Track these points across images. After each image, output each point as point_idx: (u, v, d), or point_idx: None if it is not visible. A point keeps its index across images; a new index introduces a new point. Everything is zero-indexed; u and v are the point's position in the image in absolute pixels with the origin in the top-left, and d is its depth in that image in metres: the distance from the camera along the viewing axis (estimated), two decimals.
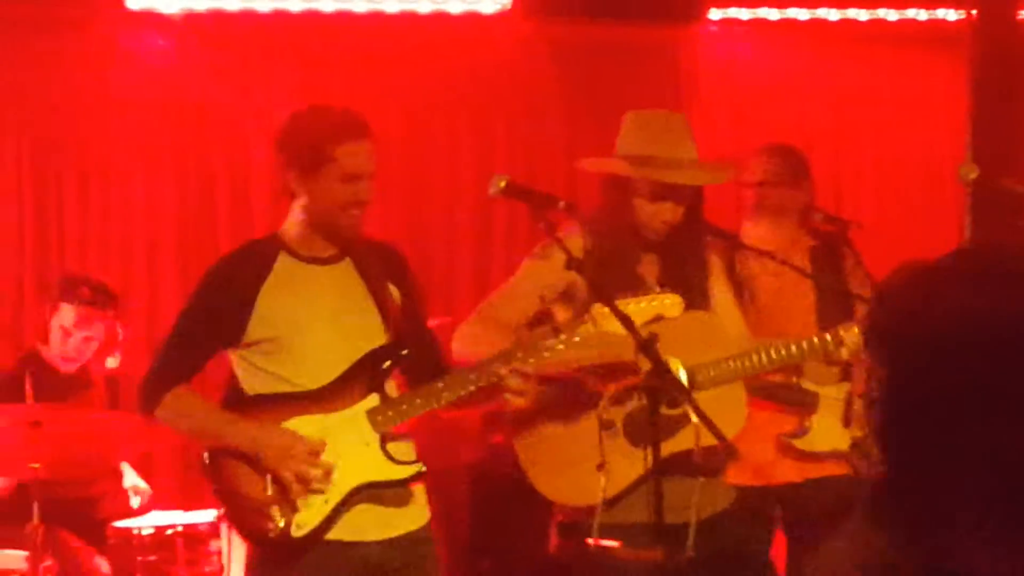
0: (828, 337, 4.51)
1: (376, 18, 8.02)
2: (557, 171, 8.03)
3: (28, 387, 5.22)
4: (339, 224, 4.14)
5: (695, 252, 4.53)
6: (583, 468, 4.23)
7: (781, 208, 5.29)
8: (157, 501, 6.45)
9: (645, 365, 3.79)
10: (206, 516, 5.99)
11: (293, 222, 4.22)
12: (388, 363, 4.19)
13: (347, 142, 4.07)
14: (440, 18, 8.02)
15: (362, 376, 4.16)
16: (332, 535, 4.08)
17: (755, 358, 4.43)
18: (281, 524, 4.02)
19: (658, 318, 3.92)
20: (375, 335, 4.23)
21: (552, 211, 4.06)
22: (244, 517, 4.12)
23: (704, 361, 4.26)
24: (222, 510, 4.24)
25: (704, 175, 4.53)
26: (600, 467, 4.12)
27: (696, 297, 4.39)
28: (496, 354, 4.07)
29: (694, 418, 3.74)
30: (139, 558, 5.94)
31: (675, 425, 4.05)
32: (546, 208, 4.04)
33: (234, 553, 5.86)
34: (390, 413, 4.13)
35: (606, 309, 3.85)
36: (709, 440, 3.80)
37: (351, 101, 7.72)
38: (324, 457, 4.05)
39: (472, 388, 4.08)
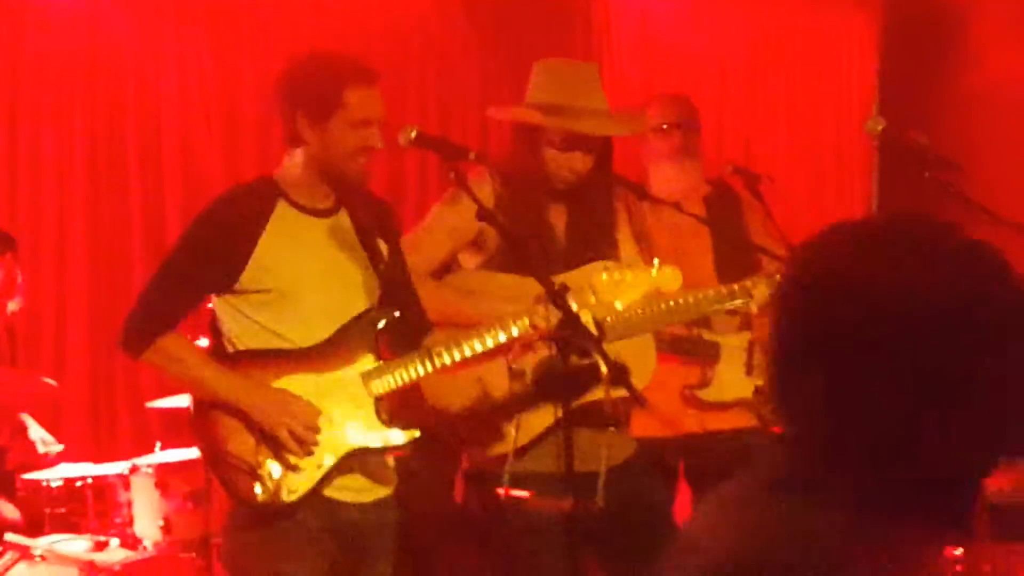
0: (737, 288, 4.53)
1: None
2: (470, 123, 8.04)
3: None
4: (347, 171, 4.00)
5: (604, 202, 4.51)
6: (493, 417, 4.25)
7: (685, 151, 5.27)
8: (67, 454, 6.41)
9: (555, 316, 3.80)
10: (116, 468, 5.97)
11: (293, 169, 4.06)
12: (383, 323, 4.08)
13: (358, 87, 3.95)
14: None
15: (357, 336, 4.05)
16: (322, 493, 3.97)
17: (663, 307, 4.44)
18: (271, 488, 3.88)
19: (656, 291, 3.96)
20: (369, 293, 4.12)
21: (462, 160, 4.03)
22: (231, 476, 3.94)
23: (613, 313, 4.25)
24: (208, 466, 4.05)
25: (614, 125, 4.51)
26: (510, 417, 4.13)
27: (604, 248, 4.39)
28: (496, 319, 4.00)
29: (604, 368, 3.75)
30: (49, 509, 5.92)
31: (585, 376, 4.04)
32: (456, 158, 4.00)
33: (140, 505, 5.87)
34: (386, 376, 4.03)
35: (604, 275, 3.89)
36: (619, 391, 3.82)
37: (261, 56, 7.85)
38: (318, 412, 3.95)
39: (468, 353, 4.00)
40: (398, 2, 8.13)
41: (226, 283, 3.99)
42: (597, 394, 4.04)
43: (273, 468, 3.90)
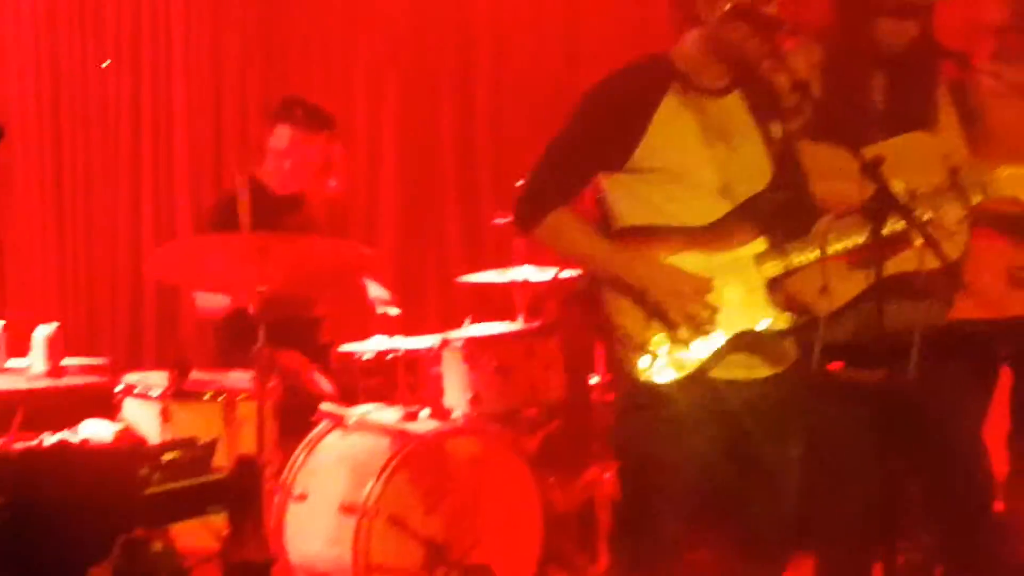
0: None
1: None
2: None
3: (242, 210, 5.24)
4: (738, 54, 3.92)
5: (926, 72, 4.38)
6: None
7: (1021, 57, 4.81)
8: (379, 327, 6.53)
9: (869, 188, 3.70)
10: (427, 342, 6.08)
11: (688, 48, 3.98)
12: (777, 206, 3.97)
13: None
14: None
15: (750, 218, 3.95)
16: (713, 372, 3.91)
17: (983, 181, 4.24)
18: (661, 364, 3.85)
19: None
20: (762, 174, 4.02)
21: (777, 32, 3.94)
22: (621, 352, 3.92)
23: (927, 183, 4.11)
24: (602, 343, 4.04)
25: None
26: (822, 290, 4.03)
27: (923, 118, 4.27)
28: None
29: (918, 240, 3.66)
30: (361, 381, 6.07)
31: (897, 246, 3.93)
32: (771, 29, 3.92)
33: (450, 378, 5.97)
34: (779, 259, 3.93)
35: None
36: (932, 263, 3.72)
37: None
38: (710, 286, 3.87)
39: (861, 240, 3.89)
40: None
41: (618, 161, 3.96)
42: (909, 266, 3.93)
43: (663, 344, 3.87)
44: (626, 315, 3.89)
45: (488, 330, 6.17)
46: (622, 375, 3.97)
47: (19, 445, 5.08)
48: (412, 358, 6.07)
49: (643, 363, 3.86)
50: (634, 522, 4.12)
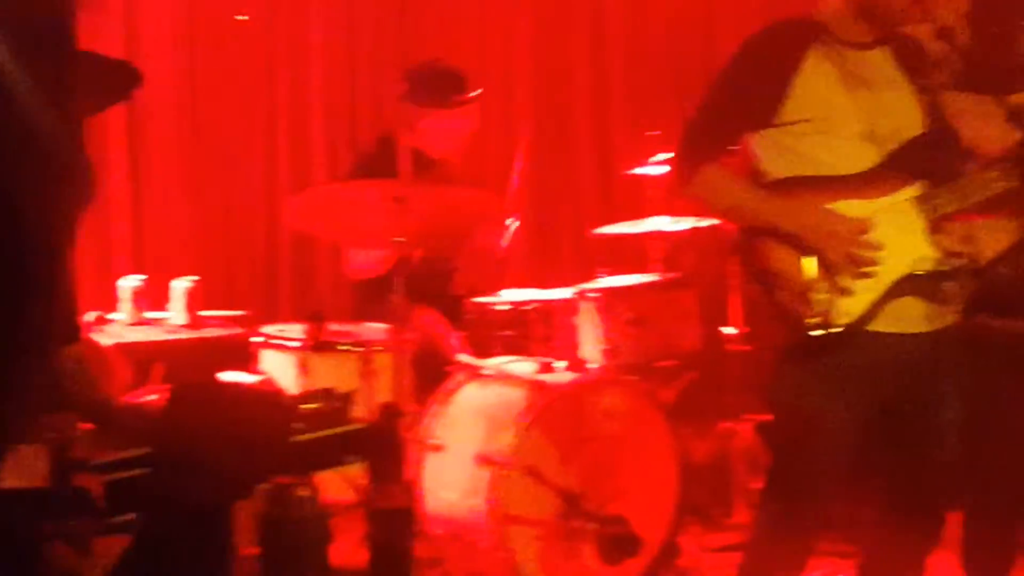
0: None
1: None
2: None
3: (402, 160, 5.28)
4: (889, 8, 3.95)
5: None
6: None
7: None
8: (512, 279, 6.53)
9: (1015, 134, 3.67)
10: (561, 293, 6.06)
11: (830, 4, 4.05)
12: (928, 152, 3.99)
13: None
14: None
15: (905, 164, 3.97)
16: (873, 325, 3.91)
17: None
18: (824, 311, 3.86)
19: None
20: (911, 122, 4.03)
21: None
22: (782, 300, 3.94)
23: None
24: (761, 292, 4.06)
25: None
26: (972, 240, 4.00)
27: None
28: None
29: None
30: (496, 333, 6.07)
31: None
32: None
33: (585, 330, 5.95)
34: (938, 201, 3.93)
35: None
36: None
37: None
38: (868, 226, 3.89)
39: (1010, 185, 3.89)
40: None
41: (765, 118, 4.00)
42: None
43: (825, 290, 3.88)
44: (787, 263, 3.91)
45: (623, 281, 6.14)
46: (781, 326, 3.98)
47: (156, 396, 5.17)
48: (547, 310, 6.04)
49: (804, 313, 3.85)
50: (787, 475, 4.12)
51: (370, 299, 6.14)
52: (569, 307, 6.03)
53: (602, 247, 7.11)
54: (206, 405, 3.63)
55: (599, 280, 6.18)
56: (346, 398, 3.87)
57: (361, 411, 4.67)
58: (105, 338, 6.15)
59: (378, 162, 6.06)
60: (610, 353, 5.84)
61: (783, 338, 4.04)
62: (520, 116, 8.09)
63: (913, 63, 4.07)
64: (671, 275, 6.29)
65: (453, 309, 6.35)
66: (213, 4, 7.93)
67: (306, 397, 3.82)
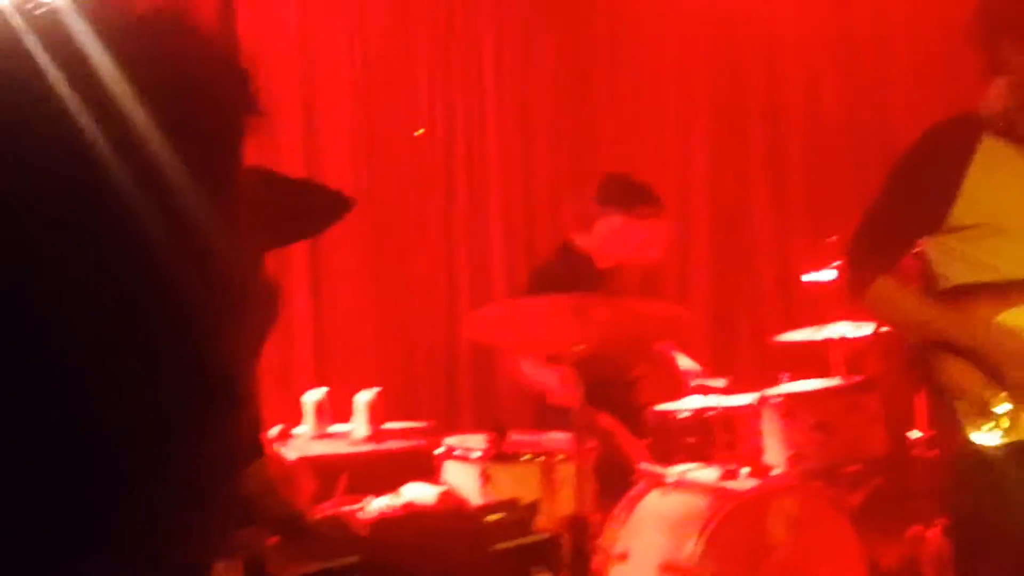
0: None
1: None
2: None
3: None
4: None
5: None
6: None
7: None
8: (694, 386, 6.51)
9: None
10: (744, 399, 6.02)
11: (997, 100, 3.90)
12: None
13: None
14: None
15: None
16: None
17: None
18: (1003, 425, 3.77)
19: None
20: None
21: None
22: (957, 414, 3.86)
23: None
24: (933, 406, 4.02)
25: None
26: None
27: None
28: None
29: None
30: (678, 440, 6.04)
31: None
32: None
33: (769, 435, 5.90)
34: None
35: None
36: None
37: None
38: None
39: None
40: None
41: (937, 221, 3.91)
42: None
43: (1004, 406, 3.79)
44: (963, 377, 3.82)
45: (807, 386, 6.09)
46: (957, 437, 3.88)
47: (347, 508, 5.23)
48: (729, 416, 6.00)
49: (980, 426, 3.78)
50: None
51: (552, 408, 6.16)
52: (752, 413, 5.99)
53: (784, 353, 7.07)
54: (409, 521, 3.71)
55: (782, 385, 6.13)
56: (531, 508, 3.89)
57: (545, 521, 4.71)
58: (290, 452, 6.24)
59: (555, 271, 6.11)
60: (794, 459, 5.78)
61: (957, 448, 3.93)
62: (697, 222, 8.10)
63: None
64: (854, 379, 6.21)
65: (636, 417, 6.34)
66: (391, 118, 8.08)
67: (491, 508, 3.85)
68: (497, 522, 3.62)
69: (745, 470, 5.63)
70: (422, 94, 8.09)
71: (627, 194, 6.40)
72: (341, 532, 3.67)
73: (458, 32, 8.13)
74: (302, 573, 3.32)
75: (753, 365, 7.88)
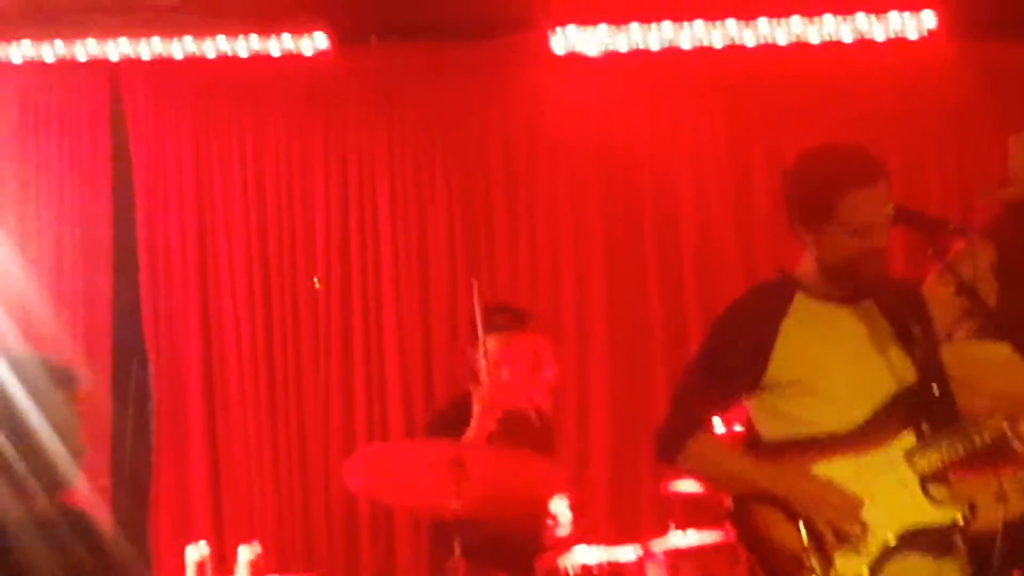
0: None
1: (800, 49, 7.90)
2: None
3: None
4: (852, 275, 3.94)
5: None
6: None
7: None
8: (587, 534, 6.47)
9: None
10: (628, 553, 5.99)
11: (807, 266, 4.05)
12: (923, 402, 3.95)
13: (851, 191, 3.84)
14: (864, 46, 7.85)
15: (895, 415, 3.94)
16: None
17: None
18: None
19: None
20: (904, 373, 4.00)
21: (942, 235, 3.93)
22: (776, 566, 3.88)
23: None
24: (751, 556, 4.03)
25: None
26: (999, 497, 3.94)
27: None
28: None
29: None
30: None
31: None
32: (935, 232, 3.91)
33: None
34: (929, 453, 3.90)
35: None
36: None
37: (774, 136, 7.83)
38: (861, 503, 3.84)
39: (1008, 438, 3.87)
40: (913, 82, 7.94)
41: (752, 381, 4.00)
42: None
43: (820, 557, 3.81)
44: (780, 528, 3.85)
45: (691, 539, 6.06)
46: None
47: None
48: (616, 570, 5.97)
49: None
50: None
51: (443, 557, 6.09)
52: (638, 567, 5.97)
53: (679, 502, 7.03)
54: None
55: (667, 538, 6.12)
56: None
57: None
58: None
59: (452, 415, 6.10)
60: None
61: None
62: (595, 358, 8.08)
63: (899, 311, 4.03)
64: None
65: (521, 568, 6.29)
66: (286, 261, 8.13)
67: None
68: None
69: None
70: (318, 237, 8.12)
71: (494, 317, 6.42)
72: None
73: (352, 178, 8.19)
74: None
75: (650, 513, 7.81)
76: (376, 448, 7.11)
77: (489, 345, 6.38)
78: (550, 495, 6.29)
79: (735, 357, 4.00)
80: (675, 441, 4.03)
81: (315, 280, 8.09)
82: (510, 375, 6.42)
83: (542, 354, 6.55)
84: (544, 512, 6.62)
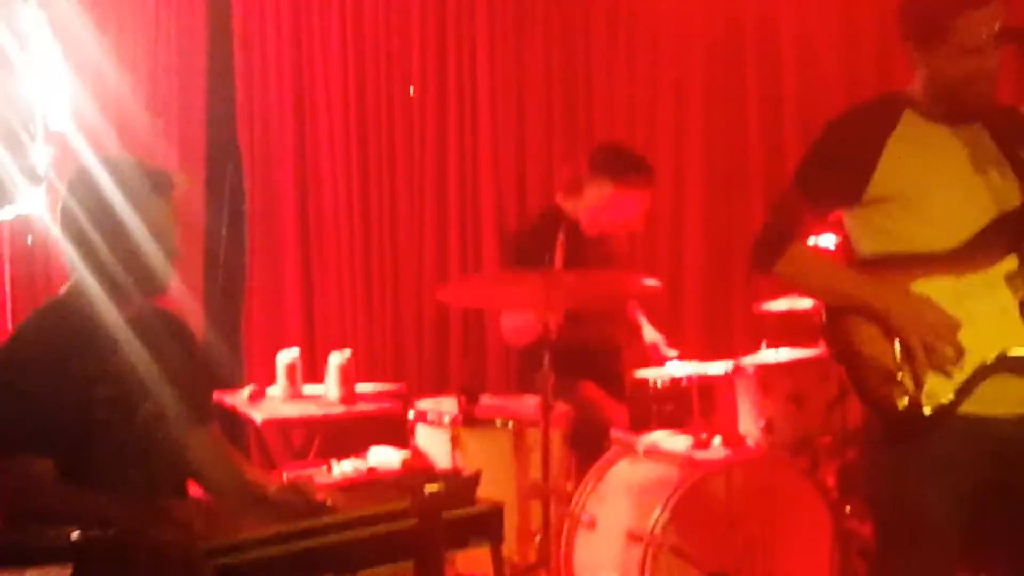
0: None
1: None
2: None
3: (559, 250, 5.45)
4: (963, 97, 3.84)
5: None
6: None
7: None
8: (683, 353, 6.47)
9: None
10: (720, 367, 5.98)
11: (917, 86, 3.94)
12: None
13: (966, 11, 3.73)
14: None
15: (999, 238, 3.84)
16: (966, 408, 3.76)
17: None
18: (911, 395, 3.73)
19: None
20: (1009, 197, 3.89)
21: None
22: (868, 382, 3.82)
23: None
24: (843, 371, 3.97)
25: None
26: None
27: None
28: None
29: None
30: (655, 407, 6.01)
31: None
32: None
33: (743, 405, 5.87)
34: None
35: None
36: None
37: None
38: (958, 324, 3.75)
39: None
40: None
41: (855, 193, 3.90)
42: None
43: (911, 375, 3.74)
44: (875, 345, 3.78)
45: (782, 356, 6.03)
46: (869, 408, 3.85)
47: (311, 472, 5.25)
48: (706, 384, 5.96)
49: (897, 394, 3.73)
50: (892, 568, 3.97)
51: (532, 371, 6.14)
52: (727, 382, 5.95)
53: (773, 322, 7.00)
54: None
55: (757, 355, 6.09)
56: (473, 479, 3.87)
57: (502, 491, 4.72)
58: (259, 413, 6.25)
59: (540, 235, 6.07)
60: (768, 429, 5.74)
61: (871, 420, 3.92)
62: (691, 189, 8.03)
63: (1009, 136, 3.93)
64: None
65: (619, 385, 6.33)
66: (382, 82, 8.09)
67: (434, 477, 3.83)
68: (439, 493, 3.61)
69: (717, 439, 5.59)
70: (414, 54, 8.11)
71: (618, 163, 6.37)
72: (298, 497, 3.67)
73: (451, 28, 8.17)
74: (253, 537, 3.34)
75: (743, 333, 7.82)
76: (471, 279, 7.21)
77: (602, 187, 6.35)
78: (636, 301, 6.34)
79: (838, 167, 3.92)
80: (773, 249, 3.95)
81: (411, 88, 8.08)
82: (610, 219, 6.40)
83: (647, 208, 6.52)
84: (633, 325, 6.67)
